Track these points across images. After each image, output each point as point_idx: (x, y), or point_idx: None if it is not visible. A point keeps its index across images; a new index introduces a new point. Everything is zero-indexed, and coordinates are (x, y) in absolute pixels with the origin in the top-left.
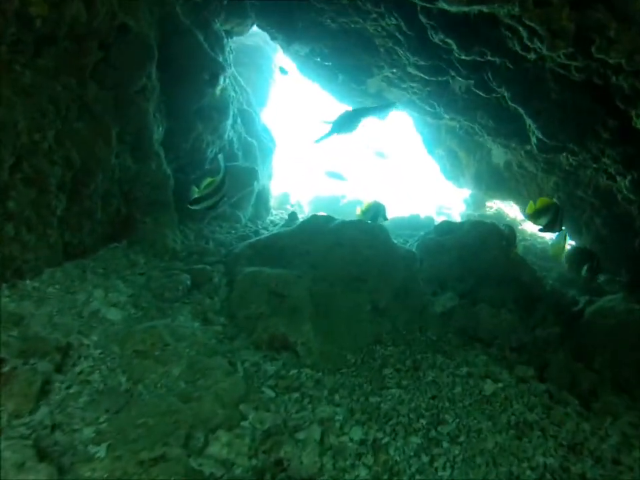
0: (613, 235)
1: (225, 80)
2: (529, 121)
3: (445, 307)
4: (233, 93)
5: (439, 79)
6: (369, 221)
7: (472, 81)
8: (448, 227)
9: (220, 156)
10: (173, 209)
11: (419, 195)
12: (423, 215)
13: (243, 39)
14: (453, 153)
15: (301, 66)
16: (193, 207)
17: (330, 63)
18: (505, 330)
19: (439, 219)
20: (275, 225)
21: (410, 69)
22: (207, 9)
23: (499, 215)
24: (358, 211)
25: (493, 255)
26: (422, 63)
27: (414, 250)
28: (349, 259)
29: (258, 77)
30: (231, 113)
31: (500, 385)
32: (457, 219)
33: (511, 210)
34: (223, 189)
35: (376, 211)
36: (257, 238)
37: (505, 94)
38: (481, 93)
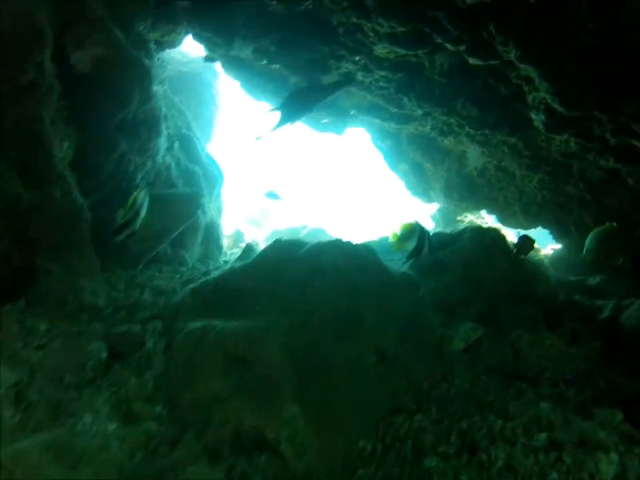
0: None
1: (152, 87)
2: (542, 88)
3: (468, 341)
4: (165, 110)
5: (419, 53)
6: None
7: (463, 47)
8: (443, 239)
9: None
10: (93, 251)
11: (380, 216)
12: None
13: (181, 66)
14: (418, 166)
15: (245, 83)
16: (117, 238)
17: (278, 65)
18: (554, 359)
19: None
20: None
21: (379, 50)
22: (128, 7)
23: (471, 227)
24: (391, 236)
25: (502, 267)
26: (400, 29)
27: (406, 271)
28: (334, 292)
29: (199, 105)
30: (165, 132)
31: (612, 456)
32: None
33: (483, 222)
34: (143, 209)
35: (420, 235)
36: (204, 280)
37: (513, 53)
38: (475, 61)
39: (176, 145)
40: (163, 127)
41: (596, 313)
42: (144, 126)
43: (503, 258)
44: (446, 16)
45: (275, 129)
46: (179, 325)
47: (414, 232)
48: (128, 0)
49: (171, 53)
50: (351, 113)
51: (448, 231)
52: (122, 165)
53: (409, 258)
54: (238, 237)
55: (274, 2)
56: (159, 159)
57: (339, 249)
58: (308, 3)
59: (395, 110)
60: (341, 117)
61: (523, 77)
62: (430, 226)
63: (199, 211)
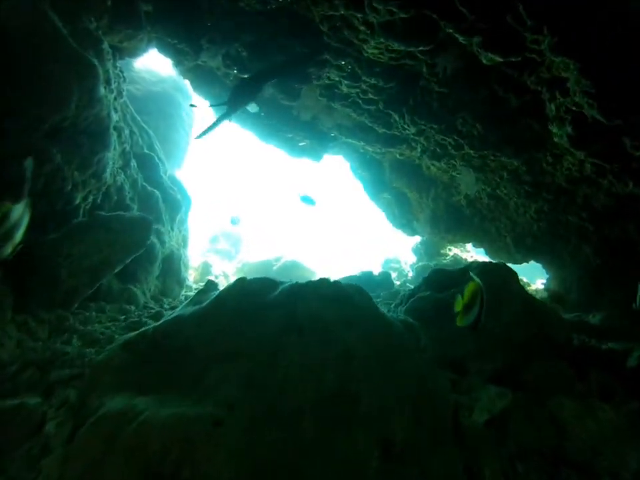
0: (608, 264)
1: (97, 89)
2: (579, 88)
3: (492, 411)
4: (123, 125)
5: (419, 52)
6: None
7: (478, 39)
8: (446, 278)
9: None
10: (6, 287)
11: (357, 249)
12: (375, 271)
13: (151, 86)
14: (402, 195)
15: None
16: None
17: (250, 74)
18: (609, 439)
19: (393, 275)
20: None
21: (370, 49)
22: (79, 3)
23: (457, 261)
24: (455, 305)
25: (514, 311)
26: (400, 15)
27: (406, 318)
28: (318, 357)
29: (168, 128)
30: (117, 147)
31: None
32: (408, 272)
33: (468, 255)
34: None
35: (481, 299)
36: (141, 330)
37: (546, 41)
38: (493, 57)
39: (133, 164)
40: (113, 139)
41: (619, 360)
42: (86, 136)
43: (515, 300)
44: None
45: (203, 133)
46: (94, 400)
47: (477, 296)
48: None
49: (140, 73)
50: (332, 134)
51: (441, 263)
52: (55, 181)
53: (471, 328)
54: (205, 269)
55: None
56: (107, 177)
57: (321, 294)
58: None
59: (382, 130)
60: (319, 139)
61: (545, 81)
62: (411, 259)
63: (154, 239)
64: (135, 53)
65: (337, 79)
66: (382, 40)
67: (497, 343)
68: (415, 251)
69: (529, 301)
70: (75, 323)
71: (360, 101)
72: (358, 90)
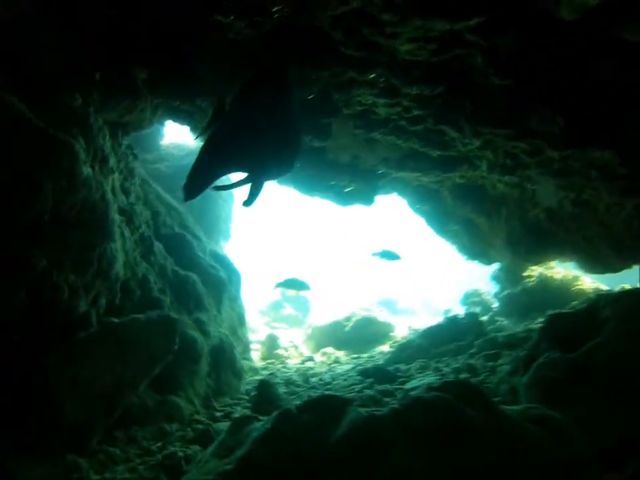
0: None
1: (77, 170)
2: None
3: None
4: (138, 208)
5: (472, 25)
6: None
7: None
8: (571, 325)
9: None
10: None
11: (433, 288)
12: (456, 308)
13: (179, 161)
14: (469, 223)
15: None
16: None
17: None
18: None
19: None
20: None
21: (404, 45)
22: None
23: (545, 283)
24: None
25: None
26: None
27: (541, 410)
28: None
29: (204, 201)
30: (122, 233)
31: None
32: (493, 304)
33: (554, 272)
34: None
35: None
36: None
37: None
38: None
39: (157, 248)
40: (116, 226)
41: None
42: (77, 229)
43: None
44: None
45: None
46: None
47: None
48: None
49: (168, 149)
50: (379, 172)
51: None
52: (45, 291)
53: None
54: (272, 342)
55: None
56: (118, 272)
57: (414, 430)
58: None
59: (436, 153)
60: (366, 180)
61: None
62: (493, 289)
63: (193, 333)
64: (139, 125)
65: (369, 100)
66: (418, 22)
67: None
68: (495, 278)
69: None
70: (88, 473)
71: (404, 123)
72: (399, 108)
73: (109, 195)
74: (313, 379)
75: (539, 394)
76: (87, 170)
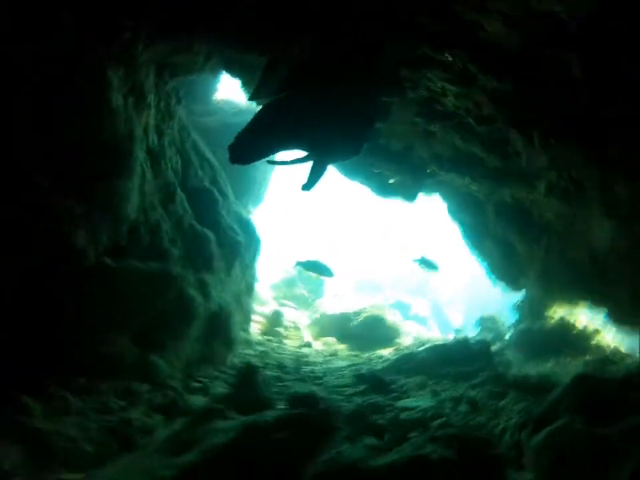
0: None
1: (112, 98)
2: None
3: None
4: (170, 153)
5: None
6: None
7: None
8: (600, 393)
9: None
10: None
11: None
12: (472, 335)
13: (227, 118)
14: (507, 245)
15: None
16: None
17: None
18: None
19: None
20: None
21: (494, 22)
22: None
23: (564, 328)
24: None
25: None
26: None
27: None
28: None
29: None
30: (144, 174)
31: None
32: (506, 333)
33: (578, 319)
34: None
35: None
36: None
37: None
38: None
39: (180, 198)
40: (137, 164)
41: None
42: (94, 155)
43: None
44: None
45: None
46: None
47: None
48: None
49: (219, 104)
50: (428, 170)
51: None
52: (43, 213)
53: None
54: (276, 319)
55: None
56: (129, 212)
57: None
58: None
59: (494, 163)
60: (413, 174)
61: None
62: (513, 318)
63: (193, 292)
64: (190, 69)
65: (439, 86)
66: None
67: None
68: (517, 307)
69: None
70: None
71: (470, 120)
72: (469, 102)
73: (139, 131)
74: (305, 369)
75: (549, 464)
76: (117, 99)
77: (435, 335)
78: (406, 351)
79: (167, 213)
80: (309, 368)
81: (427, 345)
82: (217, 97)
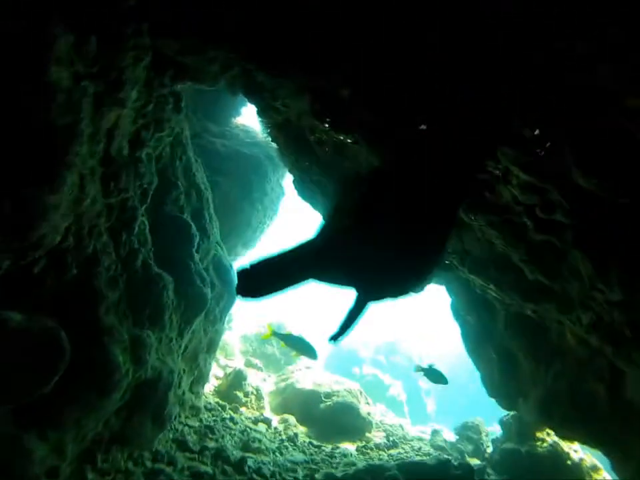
0: None
1: (61, 62)
2: None
3: None
4: (147, 171)
5: None
6: None
7: None
8: None
9: None
10: None
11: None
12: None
13: (240, 146)
14: (511, 358)
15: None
16: None
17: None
18: None
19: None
20: None
21: None
22: None
23: (556, 456)
24: None
25: None
26: None
27: None
28: None
29: (241, 198)
30: (80, 182)
31: None
32: (487, 447)
33: (571, 448)
34: None
35: None
36: None
37: None
38: None
39: (139, 226)
40: (72, 166)
41: None
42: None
43: None
44: None
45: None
46: None
47: None
48: None
49: (236, 129)
50: (447, 261)
51: None
52: None
53: None
54: (236, 380)
55: None
56: (43, 233)
57: None
58: None
59: (534, 276)
60: None
61: None
62: (496, 432)
63: (115, 360)
64: (201, 77)
65: (501, 168)
66: None
67: None
68: (504, 424)
69: None
70: None
71: (527, 221)
72: (536, 198)
73: (90, 128)
74: (251, 461)
75: None
76: (60, 73)
77: (410, 429)
78: (375, 459)
79: (114, 243)
80: (253, 461)
81: (400, 455)
82: (238, 120)
